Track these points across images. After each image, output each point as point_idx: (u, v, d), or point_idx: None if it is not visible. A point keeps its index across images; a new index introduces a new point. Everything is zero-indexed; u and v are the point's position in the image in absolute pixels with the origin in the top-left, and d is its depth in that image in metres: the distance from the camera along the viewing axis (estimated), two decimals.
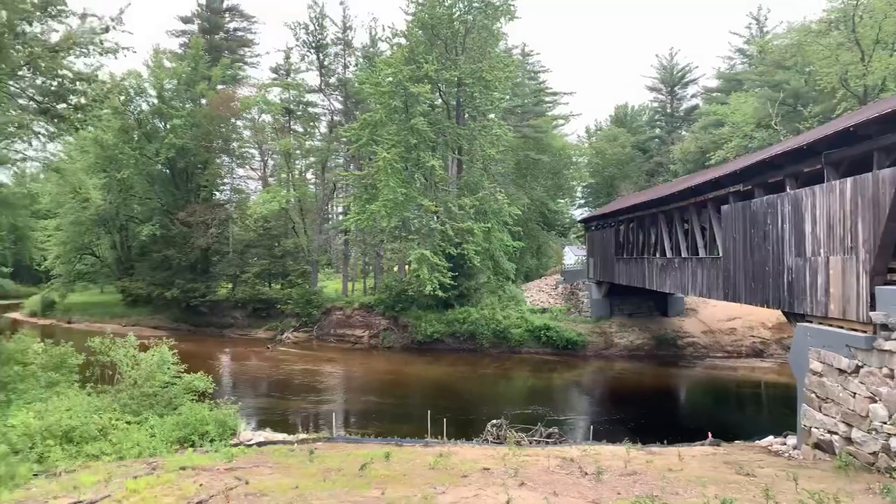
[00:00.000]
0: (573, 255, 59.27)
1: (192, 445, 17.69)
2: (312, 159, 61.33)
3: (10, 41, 20.33)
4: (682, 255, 28.51)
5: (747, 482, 13.75)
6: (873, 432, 14.29)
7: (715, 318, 41.86)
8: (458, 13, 43.86)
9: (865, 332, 15.07)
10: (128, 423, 18.36)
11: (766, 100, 48.94)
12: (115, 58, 23.11)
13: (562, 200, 71.20)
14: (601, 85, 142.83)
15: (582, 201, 79.85)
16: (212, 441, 17.93)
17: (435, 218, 42.19)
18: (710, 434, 19.61)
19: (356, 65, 55.78)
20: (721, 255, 23.86)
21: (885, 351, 14.35)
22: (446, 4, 43.59)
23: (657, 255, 31.98)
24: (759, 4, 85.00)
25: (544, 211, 64.07)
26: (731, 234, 22.73)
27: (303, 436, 20.00)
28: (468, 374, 35.88)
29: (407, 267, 49.83)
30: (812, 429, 16.62)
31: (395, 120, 43.45)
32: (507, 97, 53.40)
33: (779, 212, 19.31)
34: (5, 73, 20.26)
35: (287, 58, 58.66)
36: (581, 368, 37.54)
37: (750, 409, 29.41)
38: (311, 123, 60.34)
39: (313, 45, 55.60)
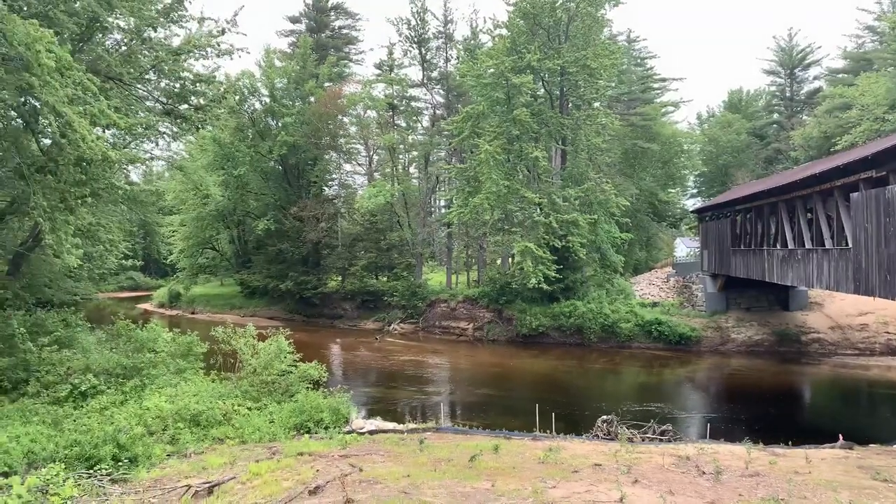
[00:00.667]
0: (685, 247, 56.94)
1: (307, 432, 18.42)
2: (415, 153, 62.27)
3: (137, 47, 21.84)
4: (806, 247, 26.74)
5: (885, 489, 12.76)
6: None
7: (843, 312, 38.93)
8: (561, 1, 43.00)
9: None
10: (249, 408, 19.38)
11: None
12: (231, 59, 24.56)
13: (672, 190, 68.53)
14: (713, 70, 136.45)
15: (694, 191, 76.66)
16: (326, 428, 18.60)
17: (538, 210, 41.70)
18: (841, 436, 18.29)
19: (458, 58, 56.06)
20: (850, 245, 22.20)
21: None
22: None
23: (777, 247, 30.15)
24: None
25: (654, 201, 61.93)
26: (863, 223, 21.08)
27: (412, 425, 20.37)
28: (575, 369, 35.30)
29: (510, 260, 49.65)
30: None
31: (497, 112, 43.26)
32: (613, 85, 51.93)
33: None
34: (134, 76, 21.78)
35: (390, 53, 59.82)
36: (695, 364, 36.04)
37: (885, 412, 27.18)
38: (414, 118, 61.27)
39: (415, 39, 56.38)
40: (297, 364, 22.46)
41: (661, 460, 15.00)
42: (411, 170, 69.30)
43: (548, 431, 19.49)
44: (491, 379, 33.05)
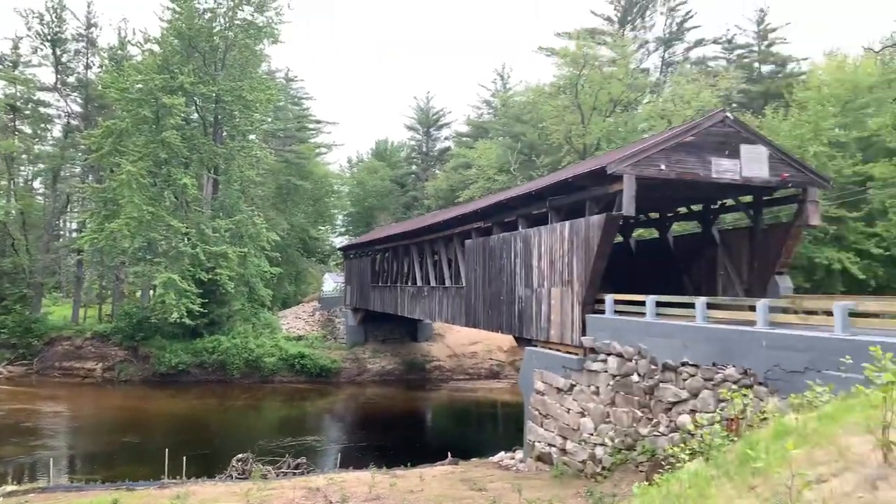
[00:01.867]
0: (332, 282, 59.59)
1: None
2: (42, 166, 54.39)
3: None
4: (431, 284, 30.26)
5: (479, 496, 14.93)
6: (583, 443, 16.40)
7: (459, 342, 44.80)
8: (219, 28, 42.30)
9: (578, 354, 17.32)
10: None
11: (507, 148, 54.52)
12: None
13: (323, 227, 71.43)
14: (364, 119, 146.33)
15: (343, 229, 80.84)
16: None
17: (185, 240, 39.63)
18: (449, 454, 20.90)
19: (101, 66, 50.79)
20: (464, 284, 25.77)
21: (593, 371, 16.62)
22: (206, 18, 41.83)
23: (409, 284, 33.53)
24: (504, 63, 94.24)
25: (305, 237, 63.72)
26: (473, 266, 24.71)
27: (11, 487, 17.41)
28: (216, 407, 34.09)
29: (151, 292, 46.05)
30: (535, 443, 18.57)
31: (144, 131, 40.37)
32: (269, 120, 52.51)
33: (512, 247, 21.49)
34: None
35: (15, 48, 51.46)
36: (334, 395, 37.69)
37: (487, 428, 31.88)
38: (43, 125, 53.61)
39: (49, 37, 49.60)
40: None
41: (292, 494, 15.35)
42: (35, 185, 60.19)
43: (178, 477, 18.43)
44: (121, 425, 29.96)
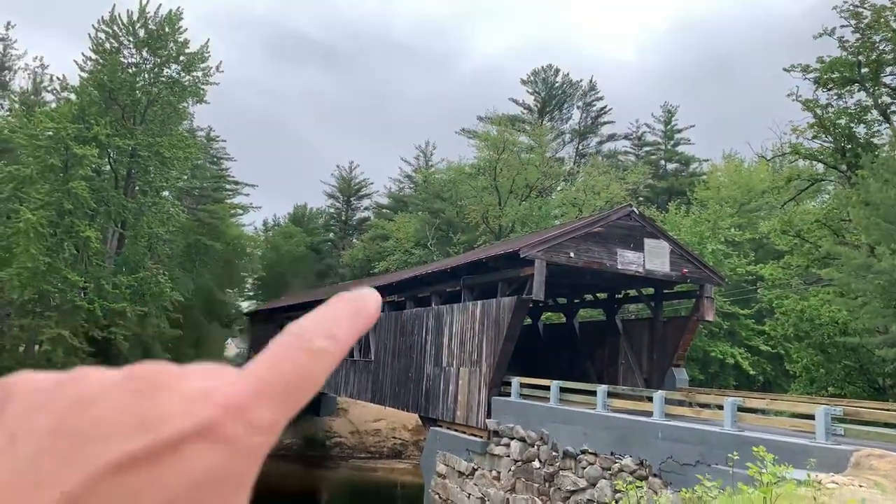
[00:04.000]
0: (236, 349, 57.40)
1: None
2: None
3: None
4: None
5: None
6: None
7: (363, 418, 43.53)
8: (143, 83, 41.72)
9: (482, 437, 17.25)
10: None
11: (426, 223, 55.41)
12: None
13: (230, 290, 69.07)
14: (285, 183, 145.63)
15: (251, 293, 78.47)
16: None
17: (82, 294, 37.47)
18: None
19: (10, 110, 48.66)
20: (373, 358, 25.44)
21: (495, 455, 16.55)
22: (130, 72, 41.21)
23: None
24: (427, 140, 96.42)
25: (210, 299, 61.38)
26: (384, 340, 24.50)
27: None
28: None
29: (38, 348, 42.88)
30: None
31: (50, 179, 38.53)
32: (186, 177, 51.36)
33: (424, 324, 21.52)
34: None
35: None
36: None
37: None
38: None
39: None
40: None
41: None
42: None
43: None
44: None
